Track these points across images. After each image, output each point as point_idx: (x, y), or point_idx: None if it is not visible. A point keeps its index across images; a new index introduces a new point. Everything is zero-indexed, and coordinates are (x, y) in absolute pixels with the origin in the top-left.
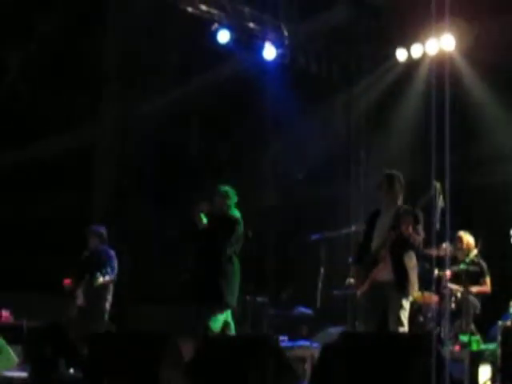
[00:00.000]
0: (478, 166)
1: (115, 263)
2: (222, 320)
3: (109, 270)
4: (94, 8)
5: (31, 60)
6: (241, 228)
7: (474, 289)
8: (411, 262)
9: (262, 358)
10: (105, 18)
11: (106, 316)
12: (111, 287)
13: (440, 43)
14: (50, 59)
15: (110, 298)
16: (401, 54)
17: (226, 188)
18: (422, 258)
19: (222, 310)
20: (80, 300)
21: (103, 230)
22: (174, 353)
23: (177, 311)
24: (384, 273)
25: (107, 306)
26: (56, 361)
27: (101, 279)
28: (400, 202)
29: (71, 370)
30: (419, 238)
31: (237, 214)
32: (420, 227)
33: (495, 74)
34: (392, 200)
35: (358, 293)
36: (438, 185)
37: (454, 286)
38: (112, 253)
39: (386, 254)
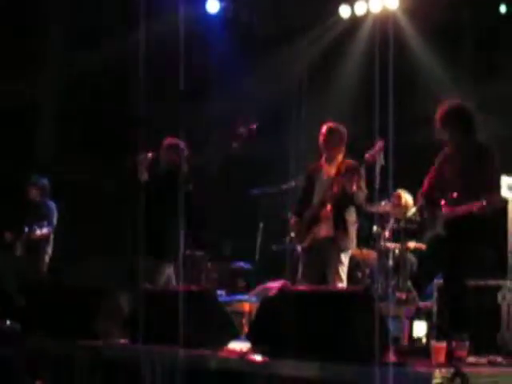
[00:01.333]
0: (419, 125)
1: (54, 216)
2: (165, 273)
3: (45, 223)
4: None
5: None
6: (185, 181)
7: (412, 244)
8: (352, 217)
9: (202, 312)
10: None
11: (45, 269)
12: (51, 240)
13: (383, 1)
14: None
15: (49, 251)
16: (344, 11)
17: (176, 141)
18: (363, 214)
19: (164, 263)
20: (18, 251)
21: (45, 182)
22: (112, 305)
23: (118, 264)
24: (325, 228)
25: (46, 258)
26: None
27: (38, 232)
28: (341, 155)
29: (8, 322)
30: (362, 194)
31: (183, 167)
32: (362, 183)
33: (438, 32)
34: (334, 154)
35: (299, 248)
36: (379, 142)
37: (391, 245)
38: (52, 205)
39: (328, 210)
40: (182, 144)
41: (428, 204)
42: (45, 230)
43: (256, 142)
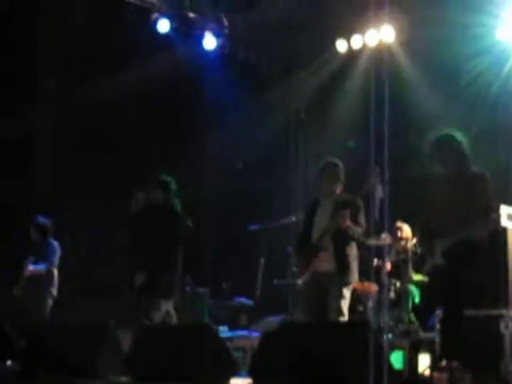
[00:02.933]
0: (418, 157)
1: (55, 255)
2: (163, 310)
3: (43, 260)
4: None
5: None
6: (181, 219)
7: (415, 276)
8: (352, 251)
9: (201, 348)
10: (39, 8)
11: (47, 308)
12: (55, 281)
13: (380, 34)
14: None
15: (54, 292)
16: (341, 45)
17: (166, 178)
18: (363, 248)
19: (163, 300)
20: (18, 291)
21: (46, 222)
22: (113, 342)
23: (117, 302)
24: (325, 262)
25: (50, 300)
26: None
27: (30, 268)
28: (339, 191)
29: (8, 363)
30: (358, 228)
31: (177, 205)
32: (361, 216)
33: (433, 66)
34: (331, 189)
35: (300, 282)
36: (376, 174)
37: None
38: (53, 244)
39: (328, 244)
40: (173, 182)
41: (424, 235)
42: (40, 267)
43: (255, 177)
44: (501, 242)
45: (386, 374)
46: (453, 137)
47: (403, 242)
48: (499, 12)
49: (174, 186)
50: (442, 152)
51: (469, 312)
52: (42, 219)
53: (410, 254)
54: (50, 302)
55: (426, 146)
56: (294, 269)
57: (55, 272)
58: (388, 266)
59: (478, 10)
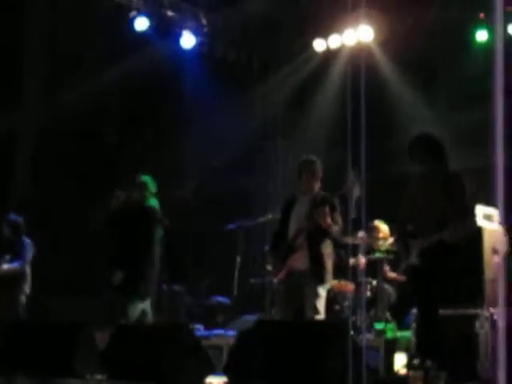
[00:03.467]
0: (394, 157)
1: (28, 253)
2: (139, 309)
3: (16, 258)
4: None
5: None
6: (158, 218)
7: (392, 274)
8: (328, 250)
9: (177, 347)
10: (25, 6)
11: (21, 306)
12: (27, 278)
13: (358, 34)
14: None
15: (26, 289)
16: (319, 45)
17: (145, 178)
18: (339, 246)
19: (139, 298)
20: None
21: (19, 220)
22: (89, 342)
23: (93, 300)
24: (300, 261)
25: (23, 297)
26: None
27: (4, 266)
28: (317, 188)
29: None
30: (336, 227)
31: (154, 204)
32: (337, 216)
33: (411, 65)
34: (308, 187)
35: (275, 281)
36: (354, 174)
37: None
38: (26, 242)
39: (303, 243)
40: (151, 182)
41: (401, 234)
42: (14, 265)
43: (234, 176)
44: (476, 241)
45: (363, 373)
46: (430, 137)
47: (380, 241)
48: (477, 10)
49: (152, 185)
50: (419, 151)
51: (444, 312)
52: (14, 216)
53: (386, 253)
54: (24, 299)
55: (407, 145)
56: (269, 267)
57: (28, 269)
58: (363, 264)
59: (456, 9)
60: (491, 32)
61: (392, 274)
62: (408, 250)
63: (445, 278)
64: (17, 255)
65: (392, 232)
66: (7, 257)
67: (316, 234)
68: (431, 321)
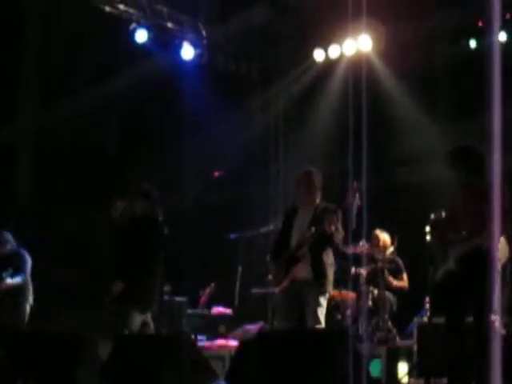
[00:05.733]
0: (394, 166)
1: (27, 265)
2: (140, 320)
3: (17, 272)
4: (11, 8)
5: None
6: (161, 228)
7: (394, 282)
8: (329, 259)
9: (178, 357)
10: (22, 19)
11: (25, 317)
12: (30, 288)
13: (357, 44)
14: None
15: (30, 299)
16: (318, 55)
17: (145, 188)
18: (340, 256)
19: (141, 310)
20: None
21: (7, 236)
22: (91, 353)
23: (95, 312)
24: (302, 270)
25: (27, 307)
26: None
27: (9, 281)
28: (318, 199)
29: None
30: (340, 235)
31: (156, 214)
32: (339, 225)
33: (410, 75)
34: (310, 197)
35: (276, 290)
36: (354, 184)
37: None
38: (24, 254)
39: (306, 252)
40: (155, 191)
41: (440, 239)
42: (17, 280)
43: (234, 186)
44: None
45: (364, 382)
46: (468, 147)
47: (381, 250)
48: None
49: (155, 194)
50: (456, 161)
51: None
52: (3, 234)
53: (387, 261)
54: (28, 308)
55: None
56: (270, 277)
57: (29, 279)
58: (365, 273)
59: (456, 18)
60: (488, 40)
61: (395, 282)
62: (445, 257)
63: (483, 288)
64: (17, 268)
65: (392, 241)
66: (10, 270)
67: (319, 244)
68: (480, 326)
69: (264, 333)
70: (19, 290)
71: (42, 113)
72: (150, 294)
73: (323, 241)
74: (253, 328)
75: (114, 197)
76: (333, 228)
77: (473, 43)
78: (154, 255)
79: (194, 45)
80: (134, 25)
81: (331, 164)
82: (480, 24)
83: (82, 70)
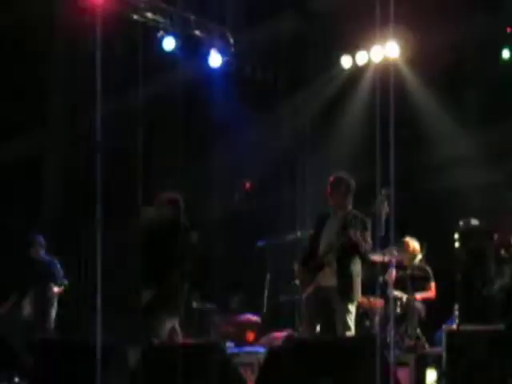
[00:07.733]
0: (422, 174)
1: (61, 272)
2: (168, 327)
3: (58, 280)
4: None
5: None
6: (189, 235)
7: (419, 295)
8: (356, 267)
9: (207, 365)
10: (51, 26)
11: (52, 324)
12: (55, 294)
13: (385, 50)
14: None
15: (55, 305)
16: (346, 61)
17: (174, 194)
18: (368, 265)
19: (168, 317)
20: (26, 310)
21: (41, 239)
22: (121, 361)
23: (125, 319)
24: (328, 277)
25: (53, 312)
26: None
27: (56, 289)
28: (349, 206)
29: (16, 380)
30: (366, 245)
31: (186, 221)
32: (368, 234)
33: (438, 82)
34: (341, 204)
35: (303, 296)
36: (383, 191)
37: (398, 293)
38: (54, 262)
39: (332, 259)
40: (181, 199)
41: (498, 254)
42: (61, 287)
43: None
44: None
45: None
46: None
47: (410, 257)
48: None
49: (182, 203)
50: None
51: None
52: (37, 237)
53: (415, 268)
54: (54, 314)
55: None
56: (297, 282)
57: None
58: (393, 280)
59: (486, 25)
60: None
61: (419, 296)
62: (502, 271)
63: None
64: (51, 275)
65: (422, 248)
66: (58, 280)
67: (346, 251)
68: None
69: (291, 341)
70: (51, 299)
71: (70, 124)
72: (177, 301)
73: (351, 249)
74: (281, 335)
75: (142, 205)
76: (358, 236)
77: (506, 53)
78: (181, 263)
79: (222, 52)
80: (161, 33)
81: (359, 171)
82: (509, 30)
83: (109, 79)
